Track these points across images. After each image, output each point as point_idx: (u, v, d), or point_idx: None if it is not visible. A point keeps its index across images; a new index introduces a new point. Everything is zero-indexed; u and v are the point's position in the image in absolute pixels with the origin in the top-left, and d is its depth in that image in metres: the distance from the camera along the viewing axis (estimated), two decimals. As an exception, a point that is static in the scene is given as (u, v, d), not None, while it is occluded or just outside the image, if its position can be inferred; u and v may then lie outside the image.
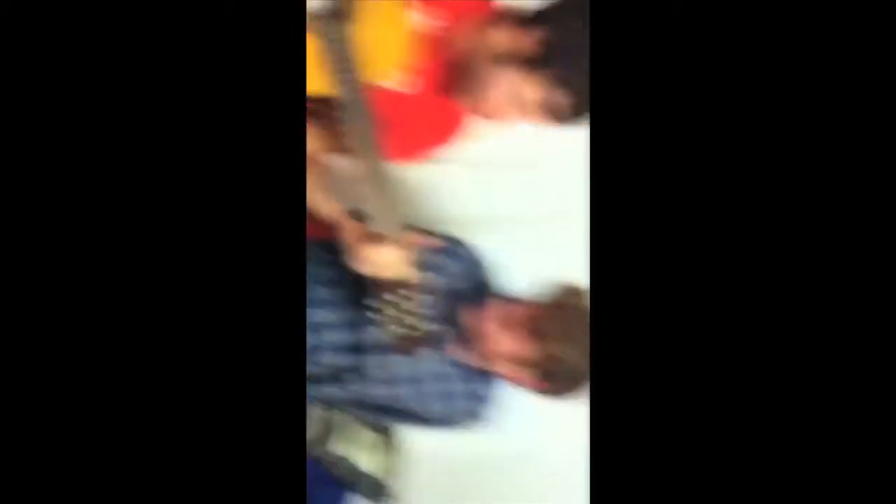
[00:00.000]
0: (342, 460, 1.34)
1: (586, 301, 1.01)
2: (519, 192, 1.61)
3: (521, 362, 1.03)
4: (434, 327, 1.10)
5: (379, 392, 1.15)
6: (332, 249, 1.19)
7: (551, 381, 1.02)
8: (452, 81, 1.01)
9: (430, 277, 0.93)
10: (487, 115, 0.98)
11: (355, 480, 1.37)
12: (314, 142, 1.01)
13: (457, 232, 1.21)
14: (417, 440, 1.47)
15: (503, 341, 1.04)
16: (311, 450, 1.31)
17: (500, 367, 1.07)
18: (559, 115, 0.96)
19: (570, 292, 1.03)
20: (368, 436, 1.41)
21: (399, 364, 1.10)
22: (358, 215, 0.84)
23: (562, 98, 0.93)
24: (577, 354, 0.98)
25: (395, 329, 0.85)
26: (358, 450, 1.38)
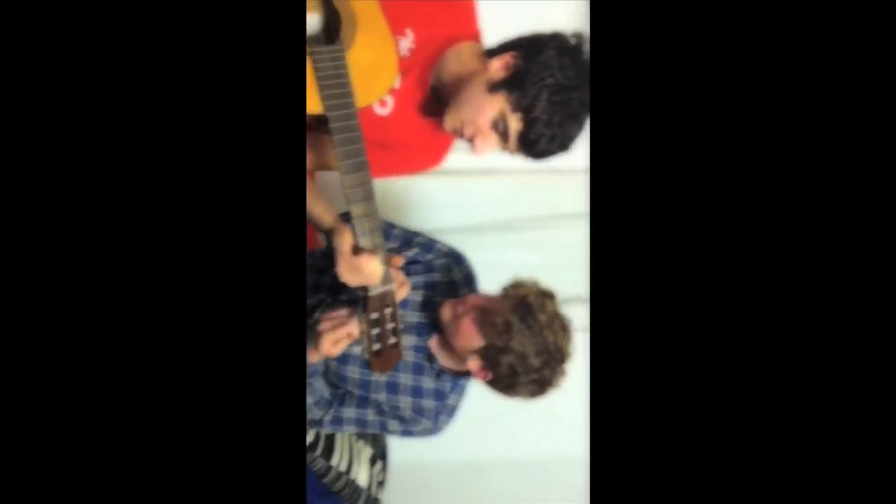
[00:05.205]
0: (341, 475, 1.35)
1: (534, 293, 1.00)
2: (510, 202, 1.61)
3: (472, 353, 1.01)
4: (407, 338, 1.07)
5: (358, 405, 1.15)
6: (321, 260, 1.22)
7: (498, 372, 1.00)
8: (444, 101, 1.03)
9: (409, 287, 0.93)
10: (470, 139, 1.00)
11: (353, 495, 1.38)
12: (308, 158, 1.04)
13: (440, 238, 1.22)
14: (404, 447, 1.46)
15: (458, 332, 1.03)
16: (311, 465, 1.32)
17: (459, 362, 1.06)
18: (536, 152, 0.98)
19: (516, 284, 1.02)
20: (367, 451, 1.43)
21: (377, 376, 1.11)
22: (347, 227, 0.87)
23: (536, 132, 0.95)
24: (528, 346, 0.97)
25: (372, 344, 0.87)
26: (358, 465, 1.39)
